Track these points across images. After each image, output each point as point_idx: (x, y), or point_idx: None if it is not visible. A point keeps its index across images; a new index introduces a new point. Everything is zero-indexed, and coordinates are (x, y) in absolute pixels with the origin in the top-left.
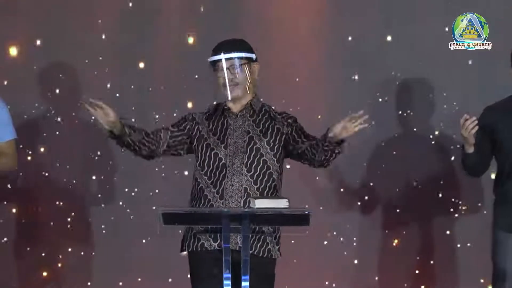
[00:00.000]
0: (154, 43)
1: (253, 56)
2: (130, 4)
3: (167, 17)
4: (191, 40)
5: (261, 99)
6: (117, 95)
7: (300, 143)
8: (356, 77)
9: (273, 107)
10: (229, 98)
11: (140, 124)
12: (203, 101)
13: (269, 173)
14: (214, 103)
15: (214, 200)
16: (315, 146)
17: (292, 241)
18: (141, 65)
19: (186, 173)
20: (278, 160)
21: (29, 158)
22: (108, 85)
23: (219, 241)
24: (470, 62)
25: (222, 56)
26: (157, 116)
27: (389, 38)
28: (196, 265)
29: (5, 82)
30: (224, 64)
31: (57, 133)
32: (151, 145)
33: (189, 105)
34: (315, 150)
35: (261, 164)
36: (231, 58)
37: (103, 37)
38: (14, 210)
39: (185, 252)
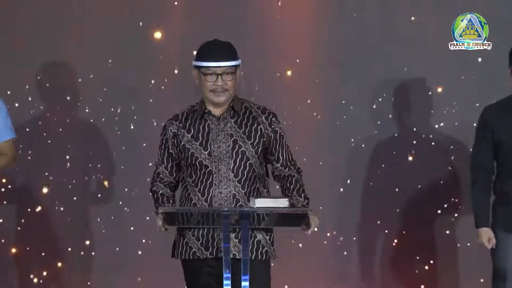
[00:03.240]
0: (154, 43)
1: (240, 62)
2: (131, 5)
3: (167, 16)
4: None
5: (239, 97)
6: (117, 95)
7: (275, 162)
8: (356, 77)
9: (252, 98)
10: (220, 101)
11: (139, 124)
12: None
13: (254, 176)
14: (189, 106)
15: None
16: (283, 184)
17: (292, 241)
18: (142, 65)
19: None
20: (260, 164)
21: (29, 158)
22: (108, 85)
23: (211, 249)
24: (470, 62)
25: (218, 64)
26: (155, 123)
27: (389, 38)
28: (190, 274)
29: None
30: (218, 71)
31: (57, 133)
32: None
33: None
34: (282, 185)
35: (247, 168)
36: (225, 66)
37: (104, 36)
38: (14, 210)
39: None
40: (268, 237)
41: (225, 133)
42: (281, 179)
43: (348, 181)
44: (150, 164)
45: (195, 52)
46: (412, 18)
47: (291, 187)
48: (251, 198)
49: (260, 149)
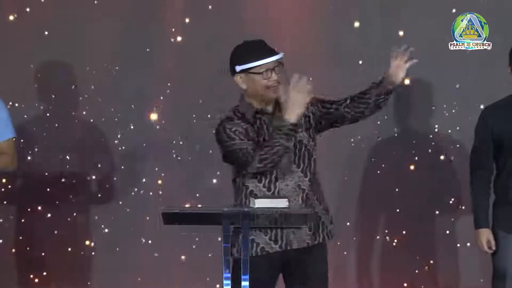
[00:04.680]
0: (155, 43)
1: None
2: (133, 3)
3: (168, 16)
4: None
5: None
6: (117, 95)
7: (335, 109)
8: (356, 77)
9: None
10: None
11: (139, 124)
12: (207, 101)
13: (313, 160)
14: (231, 109)
15: None
16: (362, 96)
17: None
18: (142, 65)
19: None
20: (315, 145)
21: (29, 158)
22: (108, 85)
23: (280, 242)
24: (470, 62)
25: (272, 59)
26: (153, 120)
27: (389, 38)
28: (256, 270)
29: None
30: (271, 66)
31: (57, 133)
32: None
33: (191, 104)
34: (364, 99)
35: (307, 156)
36: (276, 59)
37: (104, 36)
38: (14, 210)
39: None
40: (329, 216)
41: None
42: (352, 104)
43: (348, 181)
44: (150, 164)
45: (195, 53)
46: (412, 18)
47: (360, 93)
48: (251, 199)
49: (312, 130)
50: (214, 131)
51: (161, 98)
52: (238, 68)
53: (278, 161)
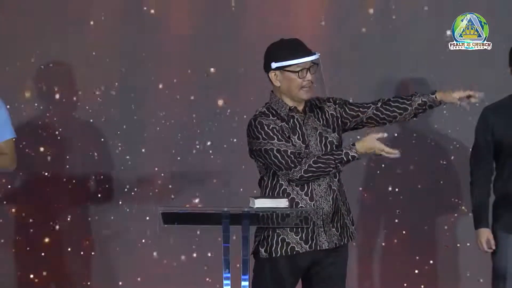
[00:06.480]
0: (154, 43)
1: None
2: (131, 4)
3: (169, 16)
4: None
5: None
6: (117, 95)
7: (362, 112)
8: (356, 77)
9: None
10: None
11: (139, 124)
12: (207, 101)
13: None
14: (263, 106)
15: (302, 202)
16: (401, 101)
17: None
18: (142, 65)
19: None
20: (342, 146)
21: (29, 158)
22: (108, 85)
23: (310, 242)
24: (470, 62)
25: (310, 58)
26: (153, 120)
27: (388, 37)
28: (280, 271)
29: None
30: (307, 65)
31: (57, 133)
32: None
33: (191, 104)
34: (404, 104)
35: None
36: (313, 59)
37: (104, 36)
38: (13, 210)
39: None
40: (350, 217)
41: (311, 127)
42: (384, 107)
43: (348, 181)
44: (150, 164)
45: (194, 53)
46: (412, 18)
47: (396, 98)
48: (251, 199)
49: (340, 131)
50: (247, 125)
51: (162, 98)
52: (274, 65)
53: (322, 177)
